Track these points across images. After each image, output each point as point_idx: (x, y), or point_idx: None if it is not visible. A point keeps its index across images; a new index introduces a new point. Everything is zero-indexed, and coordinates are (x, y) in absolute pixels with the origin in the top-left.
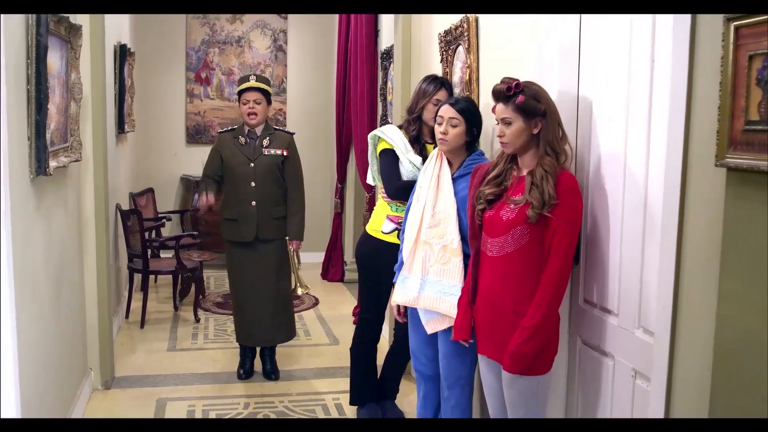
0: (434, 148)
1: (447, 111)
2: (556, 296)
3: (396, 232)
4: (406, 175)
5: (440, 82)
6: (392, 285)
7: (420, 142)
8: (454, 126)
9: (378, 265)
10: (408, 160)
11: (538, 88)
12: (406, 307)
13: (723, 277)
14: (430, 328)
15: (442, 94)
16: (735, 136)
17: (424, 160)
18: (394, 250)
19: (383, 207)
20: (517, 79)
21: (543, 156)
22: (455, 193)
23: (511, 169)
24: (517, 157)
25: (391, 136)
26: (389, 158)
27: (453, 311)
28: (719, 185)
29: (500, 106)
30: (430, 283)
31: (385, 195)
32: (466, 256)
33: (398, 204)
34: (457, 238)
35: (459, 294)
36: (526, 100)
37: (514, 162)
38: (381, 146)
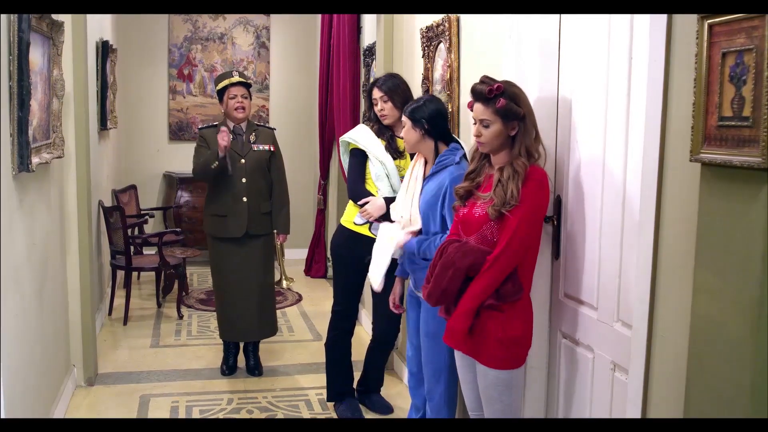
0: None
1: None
2: (488, 287)
3: (368, 224)
4: (376, 173)
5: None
6: (364, 277)
7: (385, 134)
8: (404, 126)
9: (349, 255)
10: (375, 158)
11: (518, 90)
12: (402, 298)
13: (697, 270)
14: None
15: (373, 93)
16: (709, 131)
17: (395, 152)
18: (365, 241)
19: None
20: (498, 81)
21: (516, 157)
22: (426, 192)
23: (485, 165)
24: (490, 154)
25: (356, 137)
26: (355, 160)
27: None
28: (694, 180)
29: (479, 107)
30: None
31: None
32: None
33: None
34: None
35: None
36: (507, 104)
37: (487, 158)
38: (351, 146)
